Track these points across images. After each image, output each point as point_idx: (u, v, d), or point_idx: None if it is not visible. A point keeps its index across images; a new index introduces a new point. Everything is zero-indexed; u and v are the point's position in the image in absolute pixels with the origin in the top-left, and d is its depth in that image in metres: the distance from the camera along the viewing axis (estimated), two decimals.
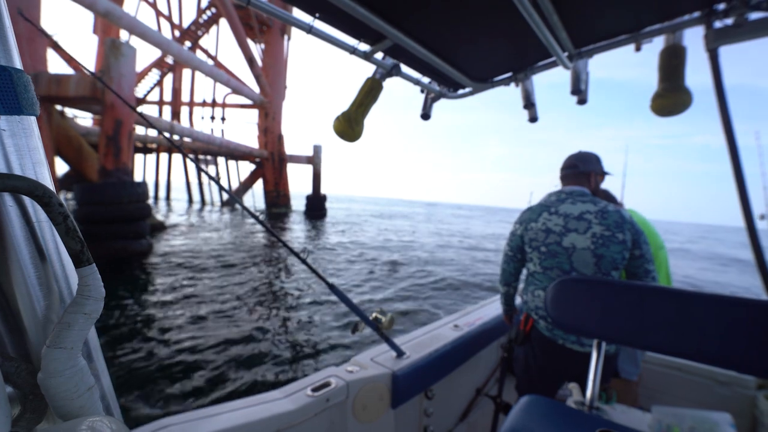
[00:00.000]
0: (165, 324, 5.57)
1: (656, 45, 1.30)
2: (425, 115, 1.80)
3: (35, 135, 0.33)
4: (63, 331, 0.30)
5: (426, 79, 1.65)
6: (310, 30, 1.10)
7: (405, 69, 1.47)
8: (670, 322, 1.01)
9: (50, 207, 0.30)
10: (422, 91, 1.73)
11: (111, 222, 8.50)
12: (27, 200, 0.31)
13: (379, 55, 1.34)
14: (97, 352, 0.37)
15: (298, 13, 1.08)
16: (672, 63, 1.25)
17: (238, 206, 26.92)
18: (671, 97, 1.25)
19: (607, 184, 2.18)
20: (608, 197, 2.00)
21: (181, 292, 6.98)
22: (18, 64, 0.31)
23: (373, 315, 1.55)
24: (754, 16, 1.11)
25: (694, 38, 1.31)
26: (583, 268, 1.48)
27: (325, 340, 5.17)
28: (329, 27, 1.15)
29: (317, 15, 1.09)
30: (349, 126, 1.42)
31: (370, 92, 1.43)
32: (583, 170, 1.66)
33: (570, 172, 1.68)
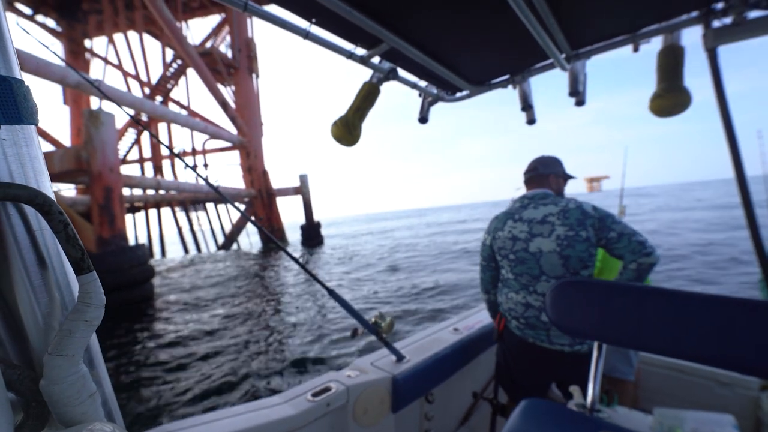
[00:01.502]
0: (170, 330, 5.53)
1: (654, 45, 1.30)
2: (423, 119, 1.80)
3: (35, 144, 0.33)
4: (64, 339, 0.30)
5: (423, 83, 1.64)
6: (306, 35, 1.10)
7: (402, 73, 1.46)
8: (671, 324, 1.00)
9: (51, 215, 0.30)
10: (420, 95, 1.73)
11: (116, 289, 8.44)
12: (28, 208, 0.32)
13: (376, 60, 1.33)
14: (98, 358, 0.37)
15: (295, 19, 1.08)
16: (670, 63, 1.25)
17: (234, 246, 26.73)
18: (670, 98, 1.24)
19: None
20: None
21: (187, 300, 6.93)
22: (18, 74, 0.31)
23: (373, 319, 1.55)
24: (754, 14, 1.10)
25: (692, 38, 1.30)
26: (551, 271, 1.48)
27: (325, 345, 5.17)
28: (325, 32, 1.14)
29: (313, 20, 1.08)
30: (347, 131, 1.42)
31: (367, 97, 1.42)
32: (543, 172, 1.67)
33: (532, 175, 1.69)
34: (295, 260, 1.52)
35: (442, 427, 1.82)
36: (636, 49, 1.31)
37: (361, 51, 1.27)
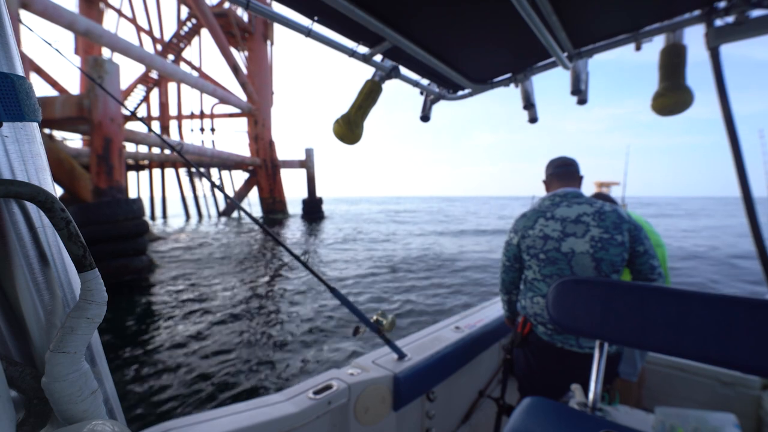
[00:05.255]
0: (168, 330, 5.62)
1: (656, 44, 1.30)
2: (425, 117, 1.79)
3: (37, 141, 0.33)
4: (66, 336, 0.31)
5: (425, 81, 1.64)
6: (308, 33, 1.10)
7: (404, 71, 1.46)
8: (673, 323, 1.01)
9: (52, 212, 0.30)
10: (421, 93, 1.73)
11: (109, 241, 8.49)
12: (30, 206, 0.32)
13: (378, 58, 1.34)
14: (100, 356, 0.37)
15: (296, 16, 1.08)
16: (673, 62, 1.25)
17: (235, 214, 26.86)
18: (672, 97, 1.25)
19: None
20: (608, 201, 1.93)
21: (184, 297, 7.03)
22: (20, 71, 0.31)
23: (375, 317, 1.54)
24: (756, 13, 1.10)
25: (695, 37, 1.31)
26: (582, 273, 1.45)
27: (327, 343, 5.19)
28: (328, 30, 1.15)
29: (316, 18, 1.08)
30: (349, 129, 1.42)
31: (369, 95, 1.42)
32: (576, 170, 1.63)
33: (565, 171, 1.63)
34: (296, 257, 1.48)
35: (443, 426, 1.82)
36: (638, 48, 1.30)
37: (363, 49, 1.27)
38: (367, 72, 1.43)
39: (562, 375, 1.53)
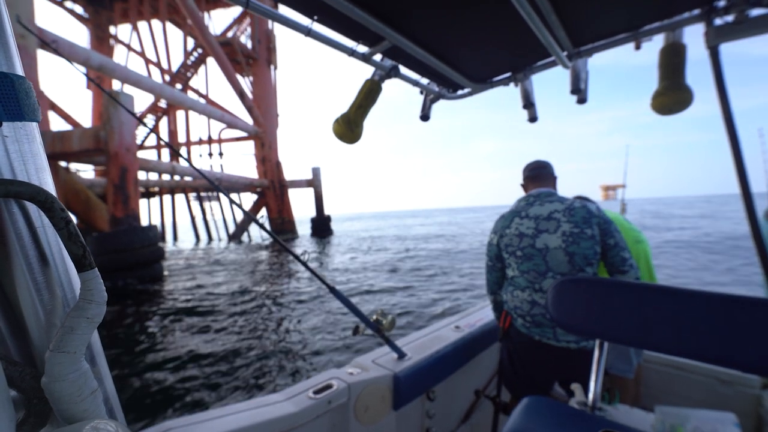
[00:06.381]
0: (171, 329, 5.66)
1: (656, 43, 1.30)
2: (424, 116, 1.80)
3: (37, 141, 0.33)
4: (66, 336, 0.30)
5: (425, 80, 1.64)
6: (308, 32, 1.11)
7: (404, 70, 1.47)
8: (672, 321, 1.00)
9: (52, 212, 0.30)
10: (421, 92, 1.73)
11: (127, 268, 8.59)
12: (30, 205, 0.32)
13: (377, 57, 1.34)
14: (99, 355, 0.37)
15: (296, 16, 1.09)
16: (672, 61, 1.25)
17: (244, 237, 27.03)
18: (672, 96, 1.25)
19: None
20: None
21: (190, 294, 7.04)
22: (20, 70, 0.31)
23: (374, 317, 1.55)
24: (755, 12, 1.11)
25: (694, 36, 1.29)
26: (557, 268, 1.48)
27: (327, 342, 5.16)
28: (327, 29, 1.15)
29: (315, 17, 1.09)
30: (349, 128, 1.42)
31: (369, 94, 1.43)
32: (550, 172, 1.71)
33: (538, 173, 1.70)
34: (297, 257, 1.50)
35: (443, 425, 1.81)
36: (638, 47, 1.31)
37: (362, 48, 1.27)
38: (367, 72, 1.43)
39: (541, 367, 1.56)
